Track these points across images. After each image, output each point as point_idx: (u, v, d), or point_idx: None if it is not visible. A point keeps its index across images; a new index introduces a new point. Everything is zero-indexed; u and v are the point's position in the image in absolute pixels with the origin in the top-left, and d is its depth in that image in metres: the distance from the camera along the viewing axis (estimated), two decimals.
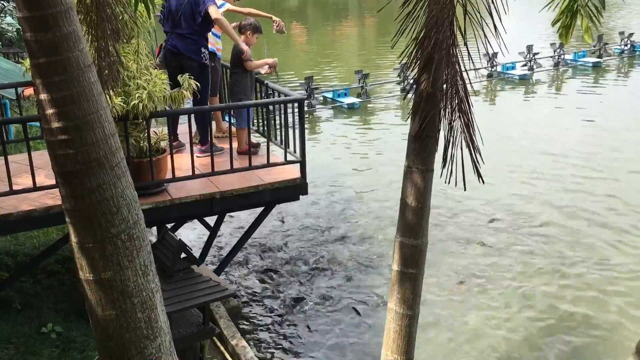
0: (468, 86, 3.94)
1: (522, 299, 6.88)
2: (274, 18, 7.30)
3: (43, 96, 2.71)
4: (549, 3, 4.08)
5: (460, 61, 3.87)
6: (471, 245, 8.03)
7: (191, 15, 6.28)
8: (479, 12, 3.70)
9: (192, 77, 5.67)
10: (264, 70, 7.02)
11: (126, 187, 2.95)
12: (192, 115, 6.26)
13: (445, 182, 3.95)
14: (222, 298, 5.30)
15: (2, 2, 15.07)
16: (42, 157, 5.61)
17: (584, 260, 7.60)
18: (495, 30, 3.72)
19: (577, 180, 10.05)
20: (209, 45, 6.77)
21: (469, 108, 3.94)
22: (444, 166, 3.96)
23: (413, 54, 3.90)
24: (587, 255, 7.73)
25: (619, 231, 8.29)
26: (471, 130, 3.96)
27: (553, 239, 8.15)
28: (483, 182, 4.11)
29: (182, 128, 7.04)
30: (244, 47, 6.54)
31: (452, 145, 3.96)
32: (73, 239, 2.96)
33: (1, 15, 15.57)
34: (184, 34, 6.37)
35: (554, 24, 4.04)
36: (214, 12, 6.22)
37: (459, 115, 3.93)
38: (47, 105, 2.71)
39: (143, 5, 4.11)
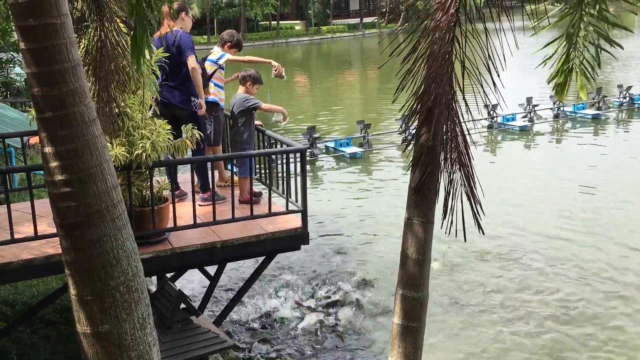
0: (467, 138, 3.99)
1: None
2: (273, 63, 7.42)
3: (47, 149, 2.75)
4: (543, 61, 4.18)
5: (459, 115, 3.94)
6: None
7: (177, 66, 6.41)
8: (477, 68, 3.79)
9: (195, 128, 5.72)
10: (280, 119, 7.18)
11: (126, 239, 2.96)
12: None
13: (446, 233, 3.96)
14: (221, 350, 5.24)
15: (10, 52, 15.41)
16: (44, 205, 5.63)
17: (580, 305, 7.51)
18: (494, 86, 3.80)
19: (576, 231, 10.01)
20: (211, 96, 6.88)
21: (470, 161, 3.98)
22: (444, 218, 3.97)
23: (413, 108, 3.97)
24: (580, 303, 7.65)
25: (623, 285, 8.22)
26: (472, 183, 3.99)
27: (547, 291, 8.07)
28: (483, 233, 4.12)
29: (185, 177, 7.08)
30: (202, 102, 6.63)
31: (453, 197, 3.99)
32: (72, 291, 2.95)
33: (10, 65, 15.90)
34: (172, 85, 6.50)
35: (549, 81, 4.12)
36: (191, 62, 6.40)
37: (459, 168, 3.97)
38: (51, 158, 2.75)
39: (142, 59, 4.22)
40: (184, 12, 6.72)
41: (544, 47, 4.21)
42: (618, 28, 4.02)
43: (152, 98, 6.70)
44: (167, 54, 6.24)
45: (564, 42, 4.04)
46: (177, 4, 6.81)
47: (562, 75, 3.97)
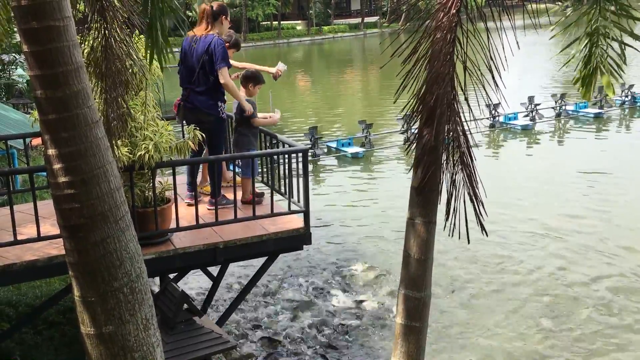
0: (470, 138, 3.99)
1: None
2: (271, 70, 7.37)
3: (51, 151, 2.76)
4: (566, 63, 4.14)
5: (461, 115, 3.94)
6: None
7: (206, 73, 6.30)
8: (479, 68, 3.79)
9: (209, 131, 5.68)
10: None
11: (130, 240, 2.97)
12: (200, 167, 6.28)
13: (449, 235, 3.95)
14: (223, 350, 5.25)
15: (12, 54, 15.45)
16: (47, 206, 5.64)
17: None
18: (496, 86, 3.80)
19: (580, 228, 10.00)
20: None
21: (471, 161, 3.98)
22: (447, 219, 3.97)
23: (415, 109, 3.98)
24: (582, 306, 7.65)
25: (619, 284, 8.21)
26: (474, 183, 3.99)
27: (547, 294, 8.07)
28: (487, 235, 4.12)
29: (183, 178, 7.02)
30: (247, 106, 6.61)
31: (455, 198, 3.99)
32: (76, 292, 2.97)
33: (12, 67, 15.94)
34: (199, 90, 6.38)
35: (575, 82, 4.07)
36: (223, 76, 6.22)
37: (462, 168, 3.97)
38: (54, 160, 2.76)
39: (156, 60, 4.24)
40: (224, 16, 6.43)
41: (566, 48, 4.16)
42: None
43: (174, 105, 6.67)
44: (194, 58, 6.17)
45: (586, 42, 3.99)
46: (218, 5, 6.44)
47: (586, 75, 3.93)
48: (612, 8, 3.83)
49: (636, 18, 3.87)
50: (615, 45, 3.95)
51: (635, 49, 4.04)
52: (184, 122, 6.48)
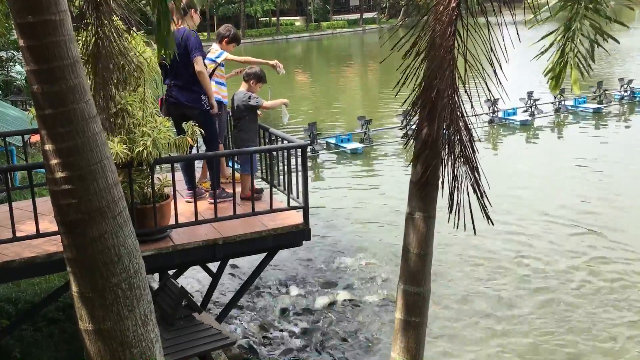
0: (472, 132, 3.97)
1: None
2: (270, 62, 7.36)
3: (48, 146, 2.75)
4: (539, 54, 4.16)
5: (462, 109, 3.92)
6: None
7: (185, 66, 6.31)
8: (480, 62, 3.77)
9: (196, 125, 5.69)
10: (286, 117, 7.15)
11: (128, 236, 2.96)
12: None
13: (454, 228, 3.94)
14: (223, 347, 5.25)
15: (11, 51, 15.40)
16: (46, 203, 5.62)
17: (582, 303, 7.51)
18: (496, 77, 3.78)
19: (579, 224, 10.00)
20: (214, 95, 6.84)
21: (474, 154, 3.96)
22: (450, 212, 3.95)
23: (415, 102, 3.96)
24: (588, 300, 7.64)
25: (618, 280, 8.21)
26: (477, 176, 3.97)
27: (548, 288, 8.07)
28: (492, 224, 4.10)
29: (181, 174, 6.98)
30: (214, 102, 6.59)
31: (458, 192, 3.97)
32: (74, 288, 2.96)
33: (10, 64, 15.89)
34: (181, 84, 6.40)
35: (545, 74, 4.10)
36: (198, 65, 6.28)
37: (463, 161, 3.95)
38: (51, 156, 2.75)
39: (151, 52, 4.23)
40: (192, 10, 6.58)
41: (541, 40, 4.19)
42: (617, 22, 3.99)
43: (159, 99, 6.67)
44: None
45: (560, 35, 4.03)
46: (185, 0, 6.60)
47: (557, 68, 3.96)
48: (590, 5, 3.86)
49: (609, 18, 3.90)
50: (587, 42, 3.99)
51: (605, 49, 4.07)
52: (170, 117, 6.48)
